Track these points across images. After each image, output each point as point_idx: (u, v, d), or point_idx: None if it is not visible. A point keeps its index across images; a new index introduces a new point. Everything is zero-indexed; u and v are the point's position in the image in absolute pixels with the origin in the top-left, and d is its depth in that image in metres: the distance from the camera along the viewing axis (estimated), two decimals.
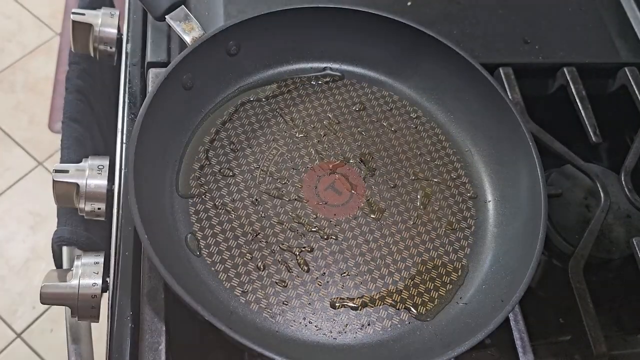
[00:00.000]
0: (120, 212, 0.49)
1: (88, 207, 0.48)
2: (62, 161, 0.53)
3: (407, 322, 0.47)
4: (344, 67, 0.59)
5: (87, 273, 0.45)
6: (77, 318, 0.45)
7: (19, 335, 1.16)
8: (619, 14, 0.69)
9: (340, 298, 0.47)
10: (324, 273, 0.48)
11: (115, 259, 0.47)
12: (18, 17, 1.56)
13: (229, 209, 0.50)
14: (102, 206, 0.48)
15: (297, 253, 0.48)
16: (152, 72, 0.56)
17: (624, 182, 0.58)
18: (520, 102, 0.60)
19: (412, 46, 0.56)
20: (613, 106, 0.65)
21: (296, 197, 0.51)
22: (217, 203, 0.50)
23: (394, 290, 0.48)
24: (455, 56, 0.55)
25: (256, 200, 0.51)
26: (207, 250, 0.47)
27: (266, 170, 0.52)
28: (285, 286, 0.47)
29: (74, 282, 0.44)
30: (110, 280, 0.46)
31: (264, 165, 0.53)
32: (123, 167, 0.51)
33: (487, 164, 0.56)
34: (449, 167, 0.56)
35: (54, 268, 0.50)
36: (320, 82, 0.58)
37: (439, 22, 0.64)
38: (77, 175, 0.48)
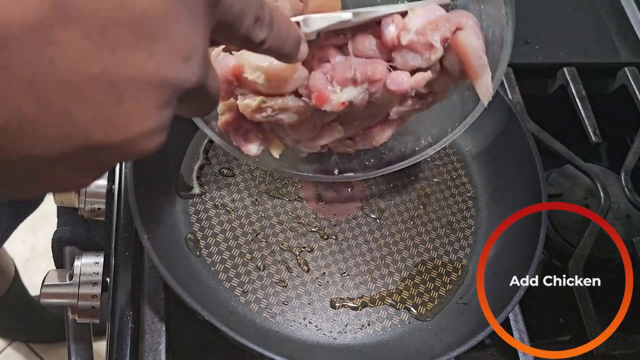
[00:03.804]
0: (121, 212, 0.49)
1: (88, 207, 0.48)
2: None
3: (407, 322, 0.47)
4: None
5: (87, 273, 0.45)
6: (77, 318, 0.45)
7: None
8: (619, 14, 0.69)
9: (340, 298, 0.47)
10: (324, 273, 0.48)
11: (115, 259, 0.47)
12: None
13: (229, 209, 0.50)
14: (102, 206, 0.48)
15: (297, 253, 0.48)
16: None
17: (624, 182, 0.58)
18: (520, 102, 0.60)
19: None
20: (613, 106, 0.65)
21: (296, 197, 0.51)
22: (217, 203, 0.50)
23: (394, 290, 0.48)
24: None
25: (256, 200, 0.51)
26: (207, 250, 0.47)
27: (266, 170, 0.52)
28: (285, 286, 0.47)
29: (74, 282, 0.44)
30: (110, 280, 0.46)
31: None
32: (123, 167, 0.51)
33: (488, 164, 0.56)
34: (449, 167, 0.56)
35: (54, 268, 0.50)
36: None
37: None
38: None
